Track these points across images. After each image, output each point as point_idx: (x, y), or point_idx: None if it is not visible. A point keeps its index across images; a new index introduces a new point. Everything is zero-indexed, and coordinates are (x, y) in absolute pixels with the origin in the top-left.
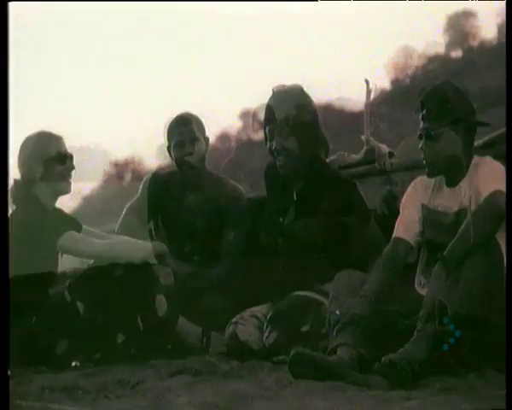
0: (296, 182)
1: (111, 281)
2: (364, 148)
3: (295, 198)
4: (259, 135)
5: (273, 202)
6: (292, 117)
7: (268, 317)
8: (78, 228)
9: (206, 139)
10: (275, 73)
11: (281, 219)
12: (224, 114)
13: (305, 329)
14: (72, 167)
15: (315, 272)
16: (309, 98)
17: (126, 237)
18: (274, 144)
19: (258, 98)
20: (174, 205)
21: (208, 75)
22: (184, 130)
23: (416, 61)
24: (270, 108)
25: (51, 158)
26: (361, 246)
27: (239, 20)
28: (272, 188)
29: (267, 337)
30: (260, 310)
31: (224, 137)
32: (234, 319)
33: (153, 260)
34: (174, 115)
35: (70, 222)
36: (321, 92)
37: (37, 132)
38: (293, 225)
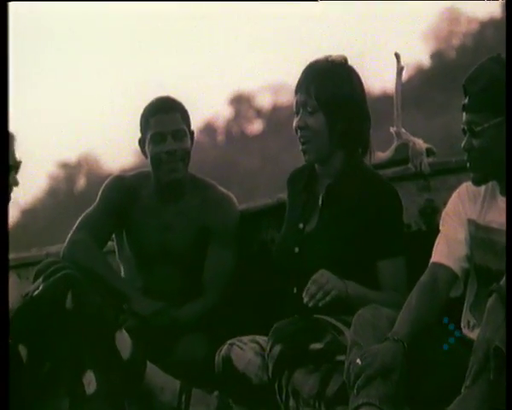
0: (322, 178)
1: (61, 315)
2: (394, 143)
3: (321, 201)
4: (256, 126)
5: (294, 208)
6: (319, 85)
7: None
8: None
9: (192, 133)
10: (277, 45)
11: (300, 226)
12: (210, 98)
13: (315, 346)
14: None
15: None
16: (351, 70)
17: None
18: (297, 120)
19: (255, 79)
20: (144, 218)
21: (188, 50)
22: (166, 119)
23: (465, 28)
24: (302, 76)
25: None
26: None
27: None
28: (294, 193)
29: (268, 353)
30: (265, 339)
31: (209, 129)
32: (229, 341)
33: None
34: (150, 99)
35: None
36: None
37: None
38: (314, 234)
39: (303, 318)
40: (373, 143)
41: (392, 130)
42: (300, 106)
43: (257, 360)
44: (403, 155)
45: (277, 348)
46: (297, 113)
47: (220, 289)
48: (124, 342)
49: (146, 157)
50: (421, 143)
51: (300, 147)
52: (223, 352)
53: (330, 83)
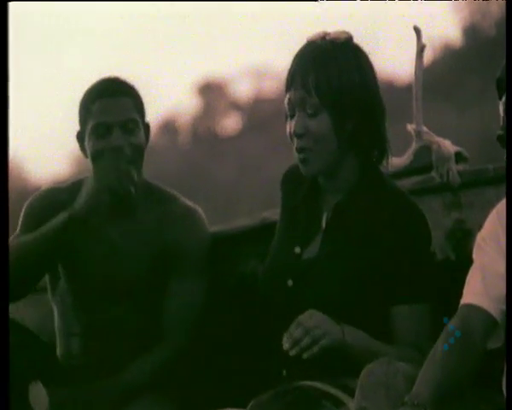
0: (327, 192)
1: None
2: (413, 145)
3: (324, 223)
4: (230, 122)
5: (288, 223)
6: (320, 76)
7: None
8: None
9: (147, 126)
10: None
11: (297, 250)
12: (171, 86)
13: None
14: None
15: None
16: (358, 50)
17: None
18: (293, 125)
19: (230, 62)
20: (83, 241)
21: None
22: (112, 104)
23: None
24: (294, 64)
25: None
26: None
27: None
28: (290, 201)
29: None
30: None
31: (169, 126)
32: None
33: None
34: (93, 80)
35: None
36: None
37: None
38: (314, 264)
39: (290, 386)
40: (390, 144)
41: (411, 128)
42: (296, 106)
43: None
44: (424, 162)
45: None
46: (291, 115)
47: (184, 336)
48: (39, 397)
49: (86, 156)
50: (448, 146)
51: (297, 155)
52: None
53: (335, 71)
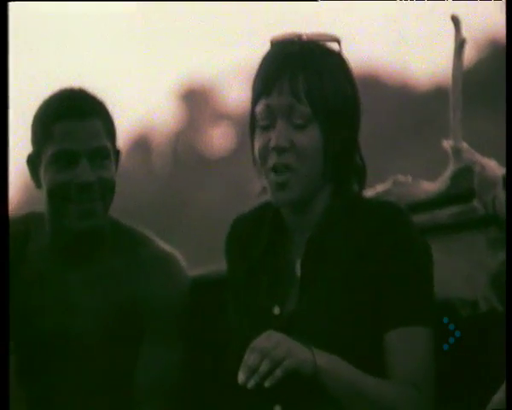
0: (296, 235)
1: None
2: (450, 167)
3: (299, 270)
4: (215, 135)
5: (250, 285)
6: (314, 81)
7: None
8: None
9: (117, 153)
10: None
11: (276, 311)
12: (145, 95)
13: None
14: None
15: None
16: (347, 62)
17: None
18: (274, 137)
19: (219, 63)
20: (33, 291)
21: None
22: (80, 129)
23: None
24: (272, 66)
25: None
26: None
27: None
28: (242, 260)
29: None
30: None
31: (142, 143)
32: None
33: None
34: (53, 90)
35: None
36: (359, 47)
37: None
38: (296, 320)
39: None
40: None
41: (447, 145)
42: (279, 115)
43: None
44: (464, 187)
45: None
46: (267, 126)
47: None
48: None
49: (38, 186)
50: (494, 168)
51: (272, 178)
52: None
53: (328, 78)
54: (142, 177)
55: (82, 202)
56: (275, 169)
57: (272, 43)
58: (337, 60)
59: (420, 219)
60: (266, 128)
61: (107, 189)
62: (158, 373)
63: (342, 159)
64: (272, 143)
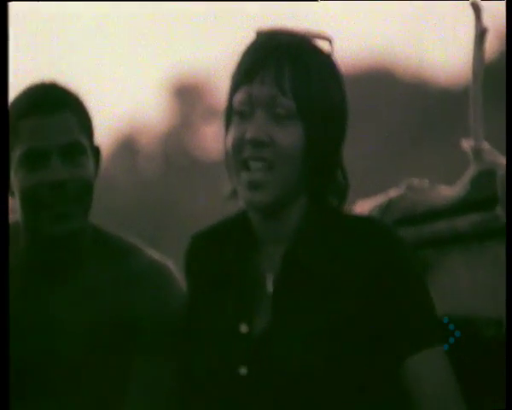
0: (268, 246)
1: None
2: (470, 169)
3: (271, 285)
4: (208, 136)
5: (217, 299)
6: (300, 75)
7: None
8: None
9: (97, 151)
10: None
11: (243, 329)
12: (131, 89)
13: None
14: None
15: None
16: (339, 69)
17: None
18: (250, 129)
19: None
20: (19, 316)
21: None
22: (49, 123)
23: None
24: (256, 54)
25: None
26: None
27: None
28: (205, 278)
29: None
30: None
31: (126, 144)
32: None
33: None
34: (25, 84)
35: None
36: (362, 45)
37: None
38: (269, 340)
39: None
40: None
41: (467, 145)
42: (259, 105)
43: None
44: (486, 192)
45: None
46: (250, 115)
47: None
48: None
49: (11, 194)
50: None
51: (247, 176)
52: None
53: (315, 74)
54: (127, 181)
55: (54, 204)
56: (248, 165)
57: (258, 35)
58: (327, 60)
59: (437, 227)
60: (243, 118)
61: (83, 189)
62: (150, 392)
63: (323, 166)
64: (248, 135)
